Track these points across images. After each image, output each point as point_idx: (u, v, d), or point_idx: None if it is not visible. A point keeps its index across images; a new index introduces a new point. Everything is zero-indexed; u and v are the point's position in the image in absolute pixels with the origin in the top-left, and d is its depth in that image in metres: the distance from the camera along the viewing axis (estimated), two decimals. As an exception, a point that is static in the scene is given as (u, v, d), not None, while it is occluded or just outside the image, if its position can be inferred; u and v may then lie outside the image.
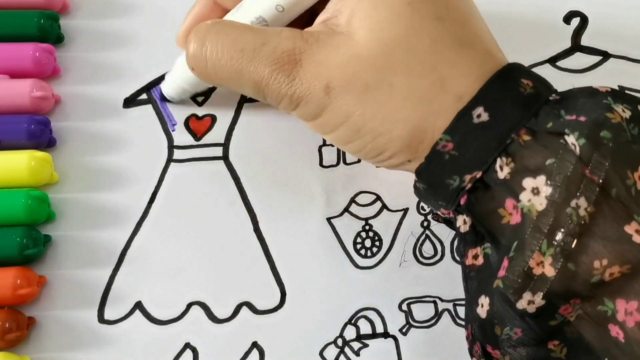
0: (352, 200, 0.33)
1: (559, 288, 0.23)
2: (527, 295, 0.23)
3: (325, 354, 0.31)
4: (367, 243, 0.33)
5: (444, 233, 0.33)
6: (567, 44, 0.36)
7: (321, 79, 0.26)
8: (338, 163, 0.34)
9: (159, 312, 0.31)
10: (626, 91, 0.35)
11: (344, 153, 0.34)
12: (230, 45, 0.27)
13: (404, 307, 0.32)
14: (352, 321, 0.32)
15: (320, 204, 0.33)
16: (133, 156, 0.34)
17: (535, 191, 0.23)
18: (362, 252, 0.33)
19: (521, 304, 0.23)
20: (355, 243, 0.33)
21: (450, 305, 0.32)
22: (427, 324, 0.32)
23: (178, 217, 0.33)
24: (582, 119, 0.24)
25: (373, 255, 0.33)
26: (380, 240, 0.33)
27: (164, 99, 0.34)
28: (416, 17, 0.25)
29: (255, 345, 0.31)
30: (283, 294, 0.32)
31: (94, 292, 0.31)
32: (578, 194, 0.23)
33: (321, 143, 0.34)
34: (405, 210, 0.33)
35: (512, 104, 0.25)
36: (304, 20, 0.29)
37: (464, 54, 0.25)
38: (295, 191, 0.33)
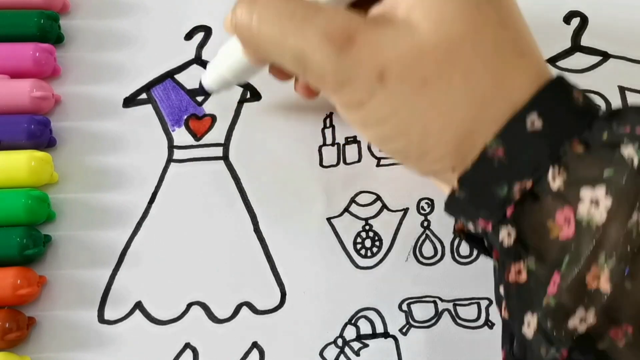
0: (352, 200, 0.33)
1: (612, 306, 0.21)
2: (579, 312, 0.22)
3: (325, 354, 0.31)
4: (367, 243, 0.33)
5: (444, 233, 0.33)
6: (567, 44, 0.36)
7: (376, 62, 0.24)
8: (338, 163, 0.34)
9: (159, 312, 0.31)
10: (626, 91, 0.35)
11: (344, 153, 0.34)
12: (280, 8, 0.25)
13: (404, 307, 0.32)
14: (352, 321, 0.32)
15: (320, 204, 0.33)
16: (133, 156, 0.34)
17: (595, 203, 0.22)
18: (362, 252, 0.33)
19: (573, 322, 0.22)
20: (355, 243, 0.33)
21: (450, 305, 0.32)
22: (427, 324, 0.32)
23: (178, 217, 0.33)
24: (638, 131, 0.23)
25: (373, 255, 0.33)
26: (380, 240, 0.33)
27: (202, 90, 0.33)
28: (482, 19, 0.24)
29: (255, 345, 0.31)
30: (283, 294, 0.32)
31: (94, 292, 0.32)
32: (638, 207, 0.21)
33: (321, 143, 0.34)
34: (405, 210, 0.33)
35: (566, 113, 0.24)
36: None
37: (522, 63, 0.25)
38: (295, 191, 0.33)
